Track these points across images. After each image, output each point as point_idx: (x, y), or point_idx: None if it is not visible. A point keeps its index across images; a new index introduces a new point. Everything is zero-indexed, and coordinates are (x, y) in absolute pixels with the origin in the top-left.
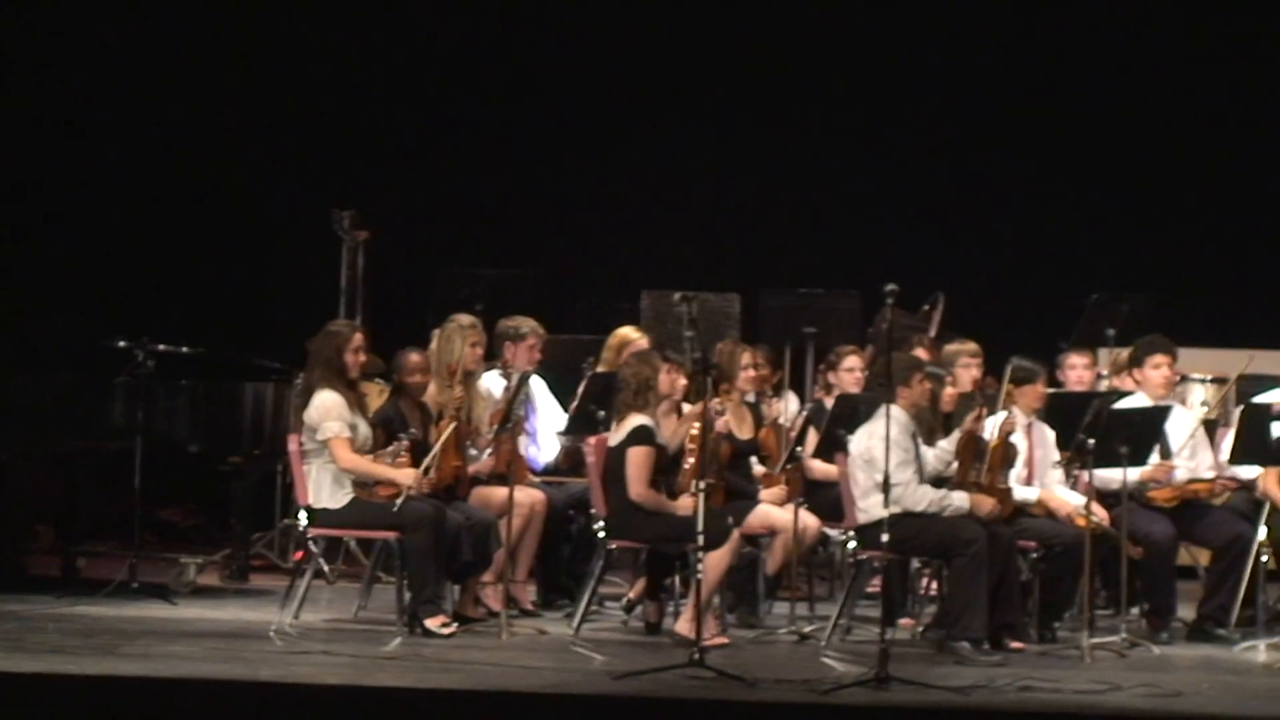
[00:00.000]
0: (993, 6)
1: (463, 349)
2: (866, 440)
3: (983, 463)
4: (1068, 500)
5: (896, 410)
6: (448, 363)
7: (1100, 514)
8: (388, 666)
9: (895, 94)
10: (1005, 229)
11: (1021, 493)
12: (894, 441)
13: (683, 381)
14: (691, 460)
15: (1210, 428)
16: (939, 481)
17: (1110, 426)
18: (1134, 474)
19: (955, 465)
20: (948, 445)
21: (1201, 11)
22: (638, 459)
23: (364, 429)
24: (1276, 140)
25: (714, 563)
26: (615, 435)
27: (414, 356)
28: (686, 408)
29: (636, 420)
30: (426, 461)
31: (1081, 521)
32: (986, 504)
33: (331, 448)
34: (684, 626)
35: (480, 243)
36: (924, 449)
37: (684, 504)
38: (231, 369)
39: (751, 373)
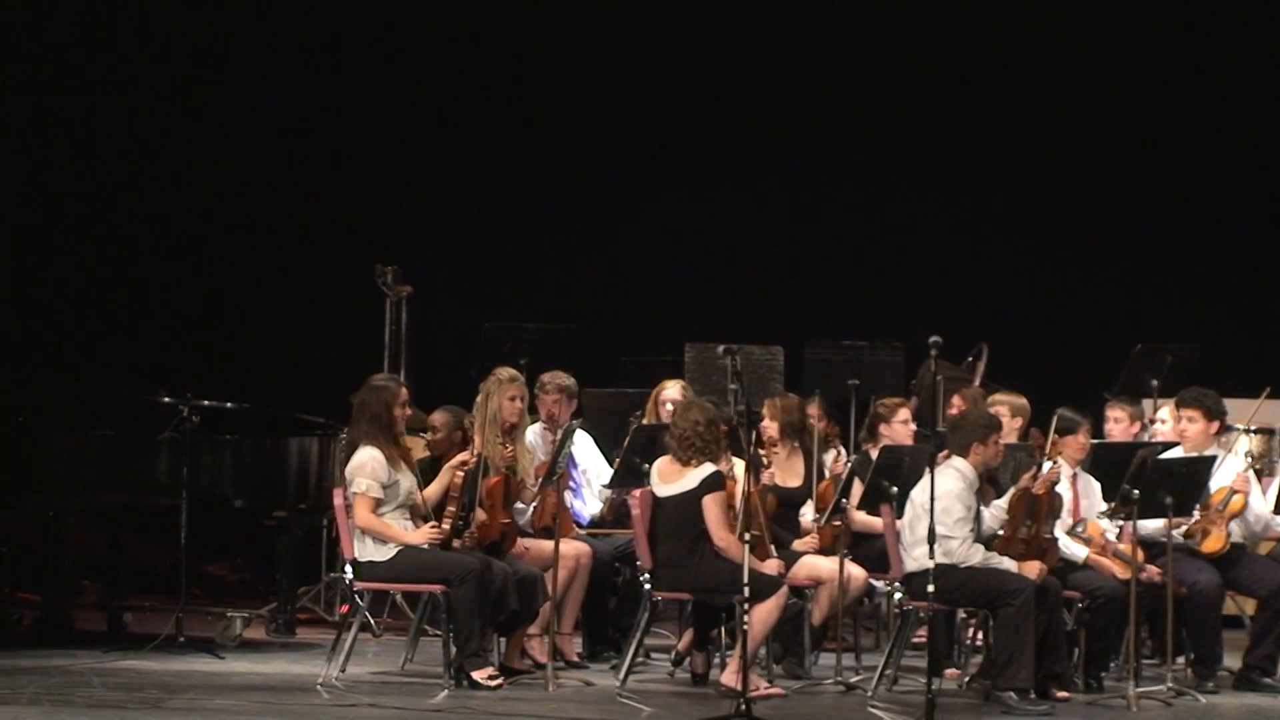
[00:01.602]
0: (1033, 62)
1: (500, 403)
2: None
3: (1034, 520)
4: (1116, 559)
5: (965, 465)
6: (489, 418)
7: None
8: (434, 719)
9: (938, 148)
10: (1048, 280)
11: (1069, 550)
12: (957, 496)
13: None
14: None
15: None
16: (988, 539)
17: (1155, 477)
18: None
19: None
20: (1003, 504)
21: (1238, 65)
22: (717, 504)
23: (406, 483)
24: None
25: (761, 615)
26: (671, 485)
27: (433, 416)
28: (736, 462)
29: (709, 468)
30: (450, 510)
31: (1126, 570)
32: (1033, 570)
33: (354, 503)
34: (729, 678)
35: (524, 297)
36: (981, 509)
37: (766, 564)
38: (276, 424)
39: (766, 422)
